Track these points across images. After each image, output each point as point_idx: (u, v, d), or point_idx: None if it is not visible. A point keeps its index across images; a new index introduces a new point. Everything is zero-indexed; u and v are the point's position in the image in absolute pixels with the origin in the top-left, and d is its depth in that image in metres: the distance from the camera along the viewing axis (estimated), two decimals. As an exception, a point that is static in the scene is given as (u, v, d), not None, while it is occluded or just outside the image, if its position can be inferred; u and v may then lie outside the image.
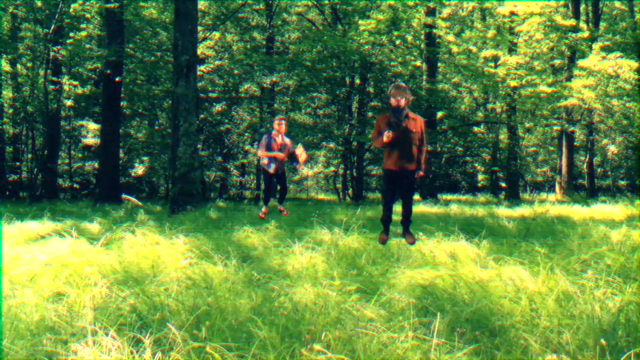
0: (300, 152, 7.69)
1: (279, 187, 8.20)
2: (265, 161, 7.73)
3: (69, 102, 28.28)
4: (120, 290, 3.90)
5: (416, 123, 5.91)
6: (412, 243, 6.02)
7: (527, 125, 17.16)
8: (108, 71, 18.88)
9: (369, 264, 4.96)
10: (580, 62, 17.11)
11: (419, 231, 6.96)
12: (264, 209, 8.07)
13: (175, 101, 12.10)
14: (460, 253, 5.62)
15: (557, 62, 19.46)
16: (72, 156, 31.06)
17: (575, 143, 28.74)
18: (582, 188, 30.86)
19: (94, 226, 8.56)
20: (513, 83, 15.43)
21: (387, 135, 5.67)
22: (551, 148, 37.87)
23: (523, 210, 13.21)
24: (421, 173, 5.92)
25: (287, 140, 7.76)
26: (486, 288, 3.79)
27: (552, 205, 14.29)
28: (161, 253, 5.44)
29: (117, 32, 18.69)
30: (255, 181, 28.25)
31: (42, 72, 23.32)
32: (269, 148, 7.66)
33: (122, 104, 24.43)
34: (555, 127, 17.33)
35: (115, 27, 18.74)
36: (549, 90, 15.54)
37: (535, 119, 16.54)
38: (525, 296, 3.48)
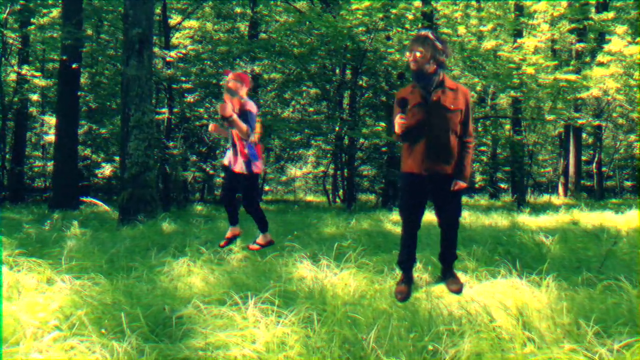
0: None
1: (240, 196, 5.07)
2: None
3: (35, 97, 25.91)
4: None
5: (456, 95, 3.64)
6: (458, 291, 3.75)
7: (547, 118, 14.99)
8: (64, 57, 16.44)
9: (382, 347, 2.67)
10: (606, 47, 14.93)
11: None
12: (229, 233, 5.22)
13: (124, 85, 9.73)
14: (529, 306, 3.35)
15: (580, 45, 17.30)
16: (46, 154, 28.75)
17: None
18: (586, 189, 28.82)
19: (-12, 249, 6.18)
20: (530, 70, 13.29)
21: (399, 122, 3.51)
22: (549, 147, 35.85)
23: (549, 219, 11.01)
24: (462, 184, 3.69)
25: (249, 106, 4.72)
26: None
27: (580, 211, 12.09)
28: (21, 314, 3.11)
29: (74, 11, 16.24)
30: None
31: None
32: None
33: (88, 97, 22.09)
34: (580, 121, 15.19)
35: (71, 6, 16.29)
36: (572, 77, 13.38)
37: (555, 112, 14.38)
38: None
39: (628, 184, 34.07)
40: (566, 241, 7.42)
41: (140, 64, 9.57)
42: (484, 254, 5.34)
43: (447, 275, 3.88)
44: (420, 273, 4.67)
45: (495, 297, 3.61)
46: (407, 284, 3.75)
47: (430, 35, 3.67)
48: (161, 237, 7.12)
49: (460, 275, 4.35)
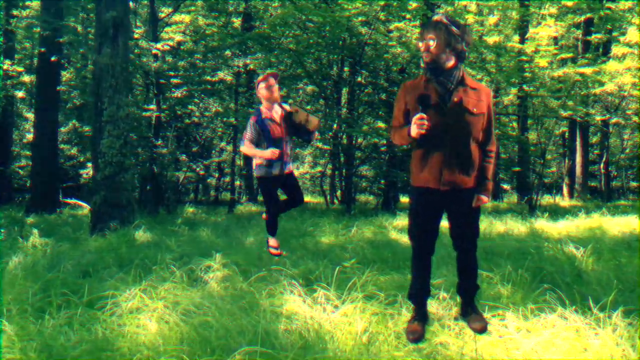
0: (305, 116, 4.69)
1: (287, 197, 4.92)
2: (260, 160, 4.66)
3: (20, 94, 24.85)
4: None
5: (479, 97, 2.99)
6: (482, 330, 3.08)
7: (563, 115, 14.00)
8: (42, 49, 15.36)
9: None
10: (622, 39, 13.96)
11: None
12: (273, 242, 4.99)
13: (97, 75, 8.66)
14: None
15: (596, 37, 16.29)
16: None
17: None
18: (591, 190, 27.81)
19: None
20: (542, 62, 12.29)
21: (418, 123, 2.86)
22: (552, 147, 34.86)
23: (569, 224, 10.00)
24: (484, 198, 3.10)
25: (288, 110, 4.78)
26: None
27: (602, 215, 11.08)
28: None
29: (54, 0, 15.13)
30: (230, 183, 24.76)
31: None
32: (268, 138, 4.57)
33: (73, 93, 21.05)
34: (598, 117, 14.20)
35: (50, -5, 15.20)
36: (588, 71, 12.37)
37: (569, 109, 13.37)
38: None
39: (634, 184, 33.12)
40: (600, 253, 6.40)
41: (114, 52, 8.51)
42: (521, 277, 4.31)
43: (468, 310, 3.18)
44: (444, 304, 3.64)
45: (561, 349, 2.58)
46: (421, 322, 3.13)
47: (444, 20, 2.96)
48: (130, 250, 6.07)
49: (502, 311, 3.32)
